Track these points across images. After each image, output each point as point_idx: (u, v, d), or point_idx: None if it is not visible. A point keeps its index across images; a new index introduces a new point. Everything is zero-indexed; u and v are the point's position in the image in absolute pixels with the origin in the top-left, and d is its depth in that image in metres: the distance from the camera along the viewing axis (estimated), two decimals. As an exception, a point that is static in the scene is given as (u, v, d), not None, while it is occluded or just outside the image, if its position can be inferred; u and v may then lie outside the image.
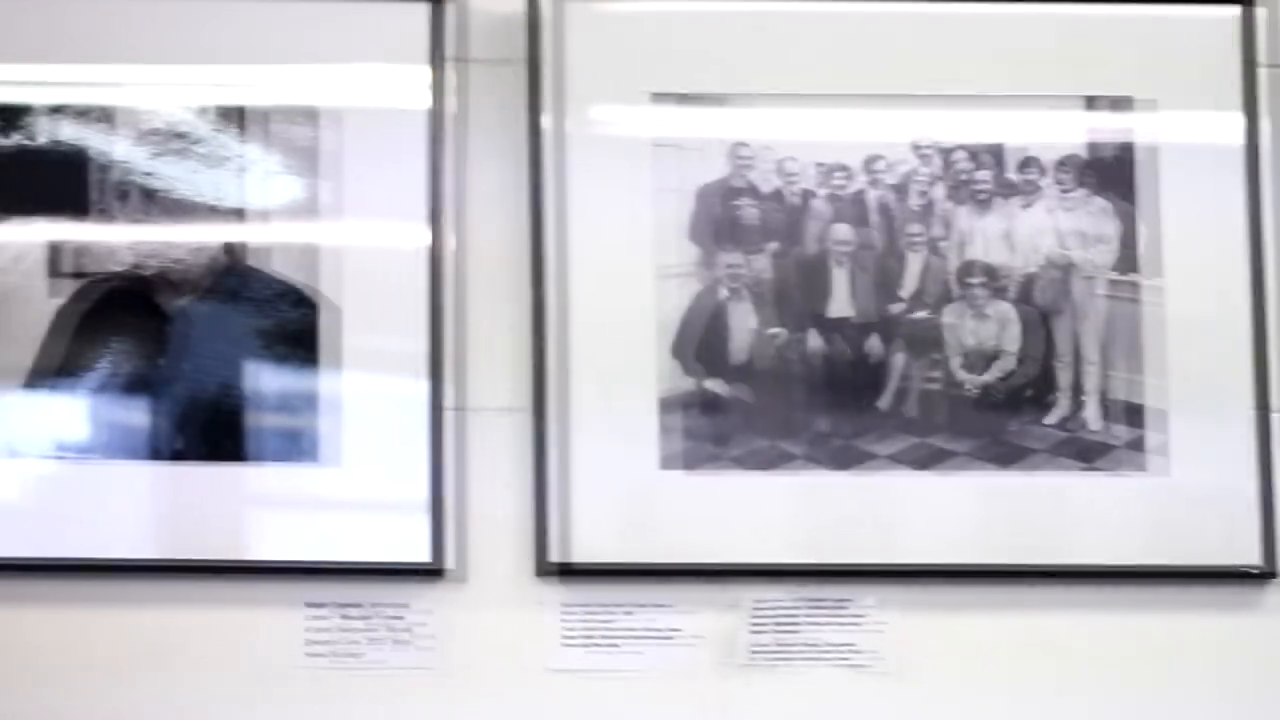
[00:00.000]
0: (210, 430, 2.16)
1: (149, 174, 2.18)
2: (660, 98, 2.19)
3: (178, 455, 2.16)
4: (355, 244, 2.19)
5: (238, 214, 2.18)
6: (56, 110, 2.19)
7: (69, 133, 2.18)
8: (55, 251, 2.19)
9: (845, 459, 2.16)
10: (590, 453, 2.15)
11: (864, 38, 2.22)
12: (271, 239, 2.18)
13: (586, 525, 2.15)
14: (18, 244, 2.18)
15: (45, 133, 2.18)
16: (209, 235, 2.17)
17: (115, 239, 2.18)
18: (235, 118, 2.19)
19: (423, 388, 2.16)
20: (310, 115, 2.19)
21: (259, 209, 2.18)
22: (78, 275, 2.18)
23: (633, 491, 2.15)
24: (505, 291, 2.19)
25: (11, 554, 2.14)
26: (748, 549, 2.16)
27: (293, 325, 2.17)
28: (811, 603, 2.16)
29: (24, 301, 2.17)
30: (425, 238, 2.18)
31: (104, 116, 2.19)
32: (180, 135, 2.18)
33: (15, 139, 2.18)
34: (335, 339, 2.17)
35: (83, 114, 2.19)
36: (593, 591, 2.17)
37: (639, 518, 2.16)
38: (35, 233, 2.18)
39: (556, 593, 2.16)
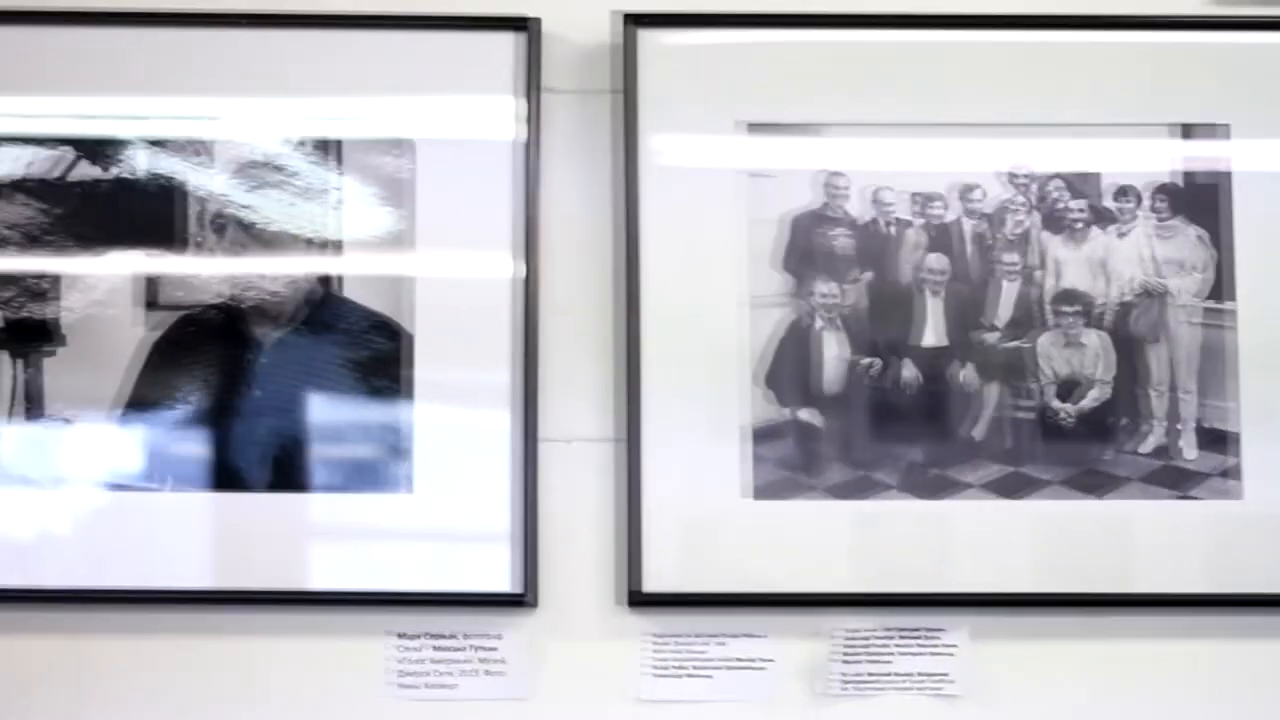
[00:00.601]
0: (302, 460, 2.19)
1: (245, 206, 2.20)
2: (753, 127, 2.21)
3: (270, 485, 2.17)
4: (444, 275, 2.21)
5: (332, 246, 2.20)
6: (154, 143, 2.21)
7: (166, 165, 2.21)
8: (151, 283, 2.21)
9: (938, 488, 2.17)
10: (682, 482, 2.17)
11: (956, 66, 2.23)
12: (361, 271, 2.18)
13: (676, 555, 2.16)
14: (114, 276, 2.19)
15: (143, 165, 2.21)
16: (301, 267, 2.19)
17: (210, 272, 2.19)
18: (329, 150, 2.22)
19: (510, 418, 2.18)
20: (401, 146, 2.22)
21: (352, 240, 2.20)
22: (173, 307, 2.20)
23: (725, 521, 2.17)
24: (590, 321, 2.22)
25: (111, 584, 2.16)
26: (840, 578, 2.17)
27: (383, 356, 2.19)
28: (903, 632, 2.17)
29: (119, 333, 2.20)
30: (512, 268, 2.20)
31: (200, 149, 2.22)
32: (275, 168, 2.22)
33: (113, 171, 2.22)
34: (425, 369, 2.19)
35: (179, 147, 2.21)
36: (683, 621, 2.18)
37: (731, 547, 2.18)
38: (131, 264, 2.19)
39: (646, 623, 2.18)
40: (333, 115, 2.23)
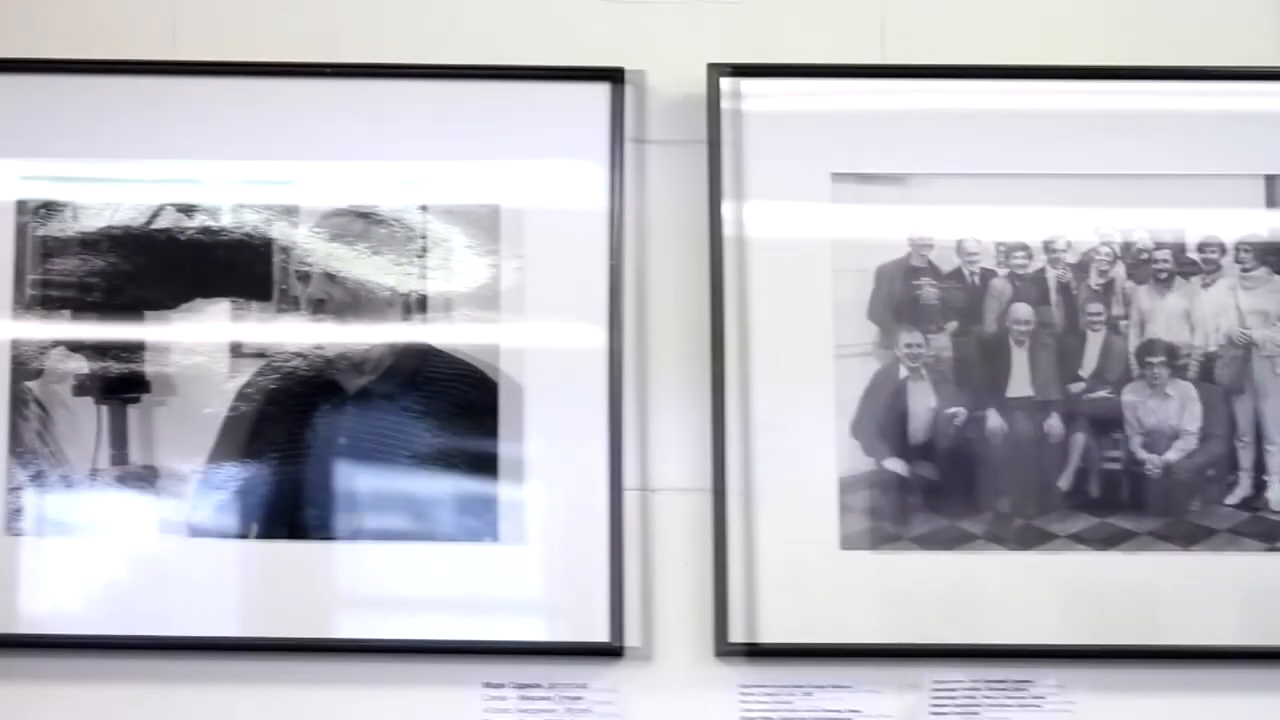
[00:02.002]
0: (390, 509, 2.22)
1: (331, 255, 2.25)
2: (840, 178, 2.26)
3: (357, 534, 2.21)
4: (533, 323, 2.25)
5: (418, 294, 2.25)
6: (241, 193, 2.26)
7: (251, 215, 2.26)
8: (237, 331, 2.25)
9: (1026, 539, 2.21)
10: (770, 532, 2.21)
11: (1042, 117, 2.28)
12: (454, 329, 2.25)
13: (766, 605, 2.20)
14: (202, 324, 2.23)
15: (228, 215, 2.26)
16: (387, 333, 2.25)
17: (296, 324, 2.23)
18: (417, 200, 2.26)
19: (600, 468, 2.21)
20: (490, 195, 2.29)
21: (438, 290, 2.24)
22: (259, 355, 2.24)
23: (813, 571, 2.21)
24: (684, 370, 2.26)
25: (197, 632, 2.23)
26: (928, 629, 2.21)
27: (471, 405, 2.24)
28: (992, 684, 2.21)
29: (204, 380, 2.24)
30: (602, 317, 2.25)
31: (287, 199, 2.26)
32: (363, 216, 2.26)
33: (199, 220, 2.27)
34: (515, 419, 2.24)
35: (265, 198, 2.27)
36: (772, 672, 2.22)
37: (819, 597, 2.21)
38: (217, 313, 2.24)
39: (736, 673, 2.22)
40: (421, 164, 2.26)
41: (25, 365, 2.23)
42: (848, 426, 2.21)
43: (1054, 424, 2.22)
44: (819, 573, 2.19)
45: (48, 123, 2.29)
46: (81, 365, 2.23)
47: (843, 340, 2.23)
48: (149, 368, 2.23)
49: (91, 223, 2.26)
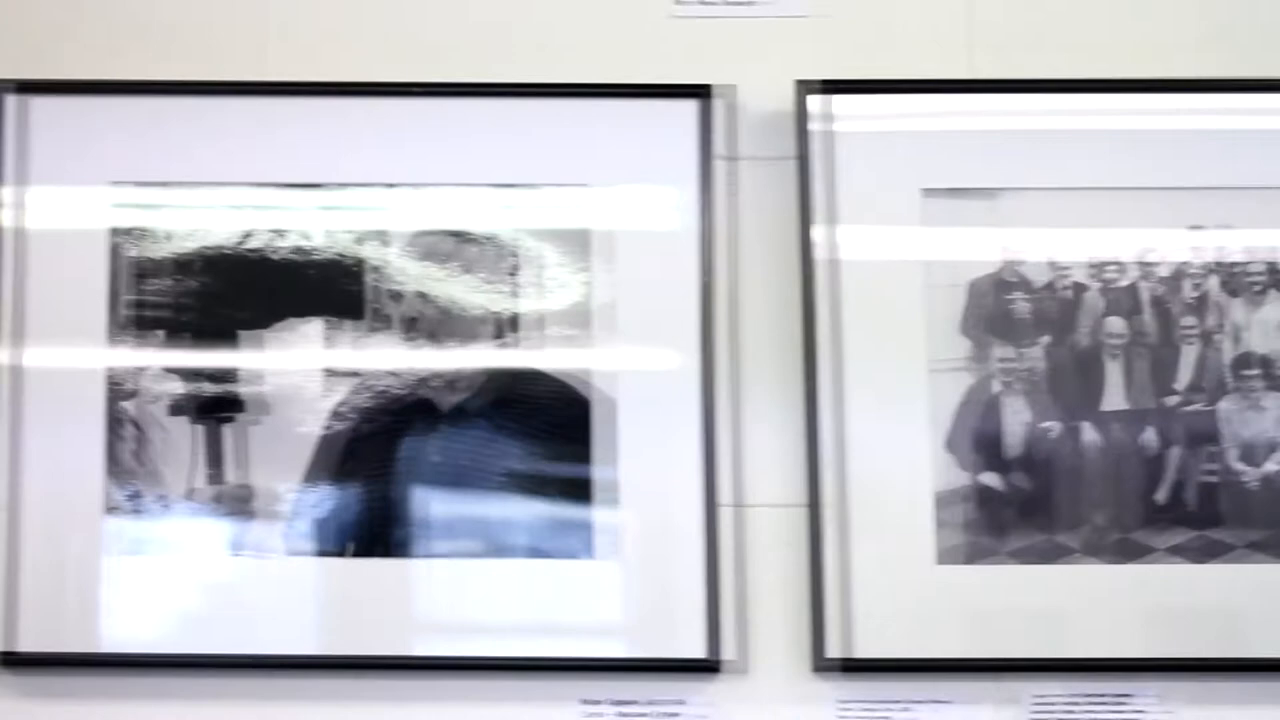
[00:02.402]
0: (485, 527, 2.24)
1: (422, 274, 2.27)
2: (930, 193, 2.27)
3: (454, 551, 2.24)
4: (627, 337, 2.27)
5: (511, 315, 2.27)
6: (332, 212, 2.29)
7: (343, 234, 2.29)
8: (331, 349, 2.28)
9: (1123, 552, 2.22)
10: (866, 547, 2.23)
11: (1132, 129, 2.29)
12: (546, 348, 2.28)
13: (863, 620, 2.21)
14: (294, 344, 2.26)
15: (320, 234, 2.28)
16: (479, 360, 2.28)
17: (390, 344, 2.26)
18: (508, 217, 2.29)
19: (695, 484, 2.23)
20: (581, 211, 2.31)
21: (532, 311, 2.27)
22: (352, 374, 2.27)
23: (909, 586, 2.22)
24: (777, 386, 2.28)
25: (293, 650, 2.26)
26: (1026, 643, 2.22)
27: (566, 422, 2.26)
28: (1091, 697, 2.22)
29: (299, 399, 2.26)
30: (695, 331, 2.27)
31: (378, 218, 2.29)
32: (454, 235, 2.28)
33: (291, 240, 2.29)
34: (609, 436, 2.26)
35: (357, 217, 2.29)
36: (870, 687, 2.24)
37: (916, 612, 2.23)
38: (312, 333, 2.26)
39: (833, 689, 2.23)
40: (511, 182, 2.28)
41: (121, 386, 2.25)
42: (942, 441, 2.22)
43: (1149, 437, 2.23)
44: (915, 587, 2.20)
45: (139, 144, 2.32)
46: (176, 385, 2.25)
47: (936, 355, 2.24)
48: (243, 387, 2.26)
49: (184, 244, 2.28)
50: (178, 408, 2.27)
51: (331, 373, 2.28)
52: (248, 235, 2.28)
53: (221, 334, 2.27)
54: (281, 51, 2.35)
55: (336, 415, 2.26)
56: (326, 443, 2.26)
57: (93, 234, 2.30)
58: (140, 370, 2.27)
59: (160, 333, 2.28)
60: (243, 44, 2.35)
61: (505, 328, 2.26)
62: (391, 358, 2.27)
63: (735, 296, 2.28)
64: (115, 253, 2.29)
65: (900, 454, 2.23)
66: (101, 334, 2.28)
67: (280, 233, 2.29)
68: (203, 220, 2.30)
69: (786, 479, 2.25)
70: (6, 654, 2.25)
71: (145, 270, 2.29)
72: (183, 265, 2.29)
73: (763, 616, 2.25)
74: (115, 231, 2.30)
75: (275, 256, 2.28)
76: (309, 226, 2.30)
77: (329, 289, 2.27)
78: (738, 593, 2.24)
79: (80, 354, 2.29)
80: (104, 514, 2.25)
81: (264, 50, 2.34)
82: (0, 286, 2.29)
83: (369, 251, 2.28)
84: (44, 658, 2.25)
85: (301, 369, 2.28)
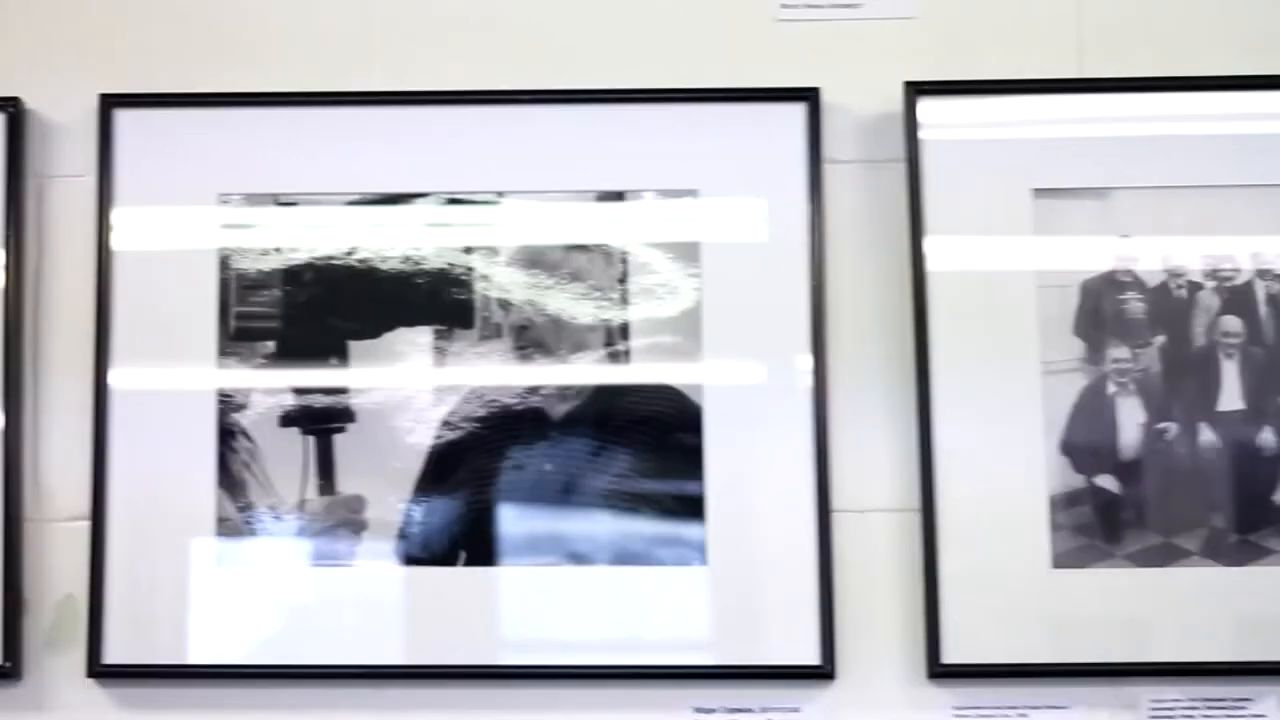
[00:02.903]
0: (597, 534, 2.26)
1: (532, 282, 2.29)
2: (1041, 193, 2.27)
3: (563, 559, 2.28)
4: (733, 345, 2.29)
5: (621, 322, 2.28)
6: (439, 220, 2.31)
7: (451, 241, 2.32)
8: (439, 359, 2.29)
9: (1241, 555, 2.22)
10: (981, 552, 2.23)
11: (1244, 127, 2.29)
12: (657, 355, 2.31)
13: (978, 625, 2.22)
14: (401, 352, 2.28)
15: (428, 242, 2.30)
16: (588, 376, 2.32)
17: (499, 357, 2.28)
18: (615, 225, 2.31)
19: (806, 489, 2.24)
20: (688, 213, 2.33)
21: (642, 319, 2.29)
22: (465, 382, 2.28)
23: (1024, 590, 2.22)
24: (889, 390, 2.30)
25: (405, 660, 2.30)
26: (1144, 647, 2.22)
27: (677, 429, 2.27)
28: (1210, 702, 2.22)
29: (408, 408, 2.28)
30: (803, 338, 2.29)
31: (485, 225, 2.32)
32: (561, 244, 2.30)
33: (399, 250, 2.31)
34: (720, 442, 2.27)
35: (465, 223, 2.31)
36: (984, 693, 2.24)
37: (1031, 617, 2.23)
38: (421, 342, 2.28)
39: (948, 695, 2.24)
40: (619, 189, 2.30)
41: (231, 399, 2.27)
42: (1056, 444, 2.22)
43: (1267, 437, 2.22)
44: (1031, 592, 2.21)
45: (247, 155, 2.34)
46: (287, 397, 2.27)
47: (1049, 357, 2.24)
48: (354, 398, 2.28)
49: (292, 256, 2.31)
50: (289, 419, 2.29)
51: (441, 381, 2.27)
52: (355, 246, 2.29)
53: (331, 345, 2.29)
54: (389, 61, 2.35)
55: (446, 424, 2.27)
56: (438, 452, 2.26)
57: (201, 250, 2.33)
58: (250, 381, 2.27)
59: (270, 344, 2.29)
60: (351, 54, 2.35)
61: (615, 335, 2.28)
62: (502, 369, 2.26)
63: (840, 300, 2.27)
64: (224, 264, 2.31)
65: (1014, 457, 2.23)
66: (212, 346, 2.30)
67: (388, 243, 2.28)
68: (310, 232, 2.31)
69: (899, 484, 2.26)
70: (126, 666, 2.26)
71: (254, 283, 2.31)
72: (291, 277, 2.31)
73: (876, 623, 2.25)
74: (223, 246, 2.30)
75: (384, 266, 2.30)
76: (417, 236, 2.29)
77: (438, 298, 2.30)
78: (852, 599, 2.23)
79: (191, 368, 2.32)
80: (216, 524, 2.25)
81: (370, 60, 2.34)
82: (112, 304, 2.29)
83: (478, 260, 2.30)
84: (152, 670, 2.31)
85: (408, 377, 2.27)
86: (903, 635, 2.23)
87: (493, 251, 2.28)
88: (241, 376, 2.30)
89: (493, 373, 2.28)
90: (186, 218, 2.33)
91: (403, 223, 2.33)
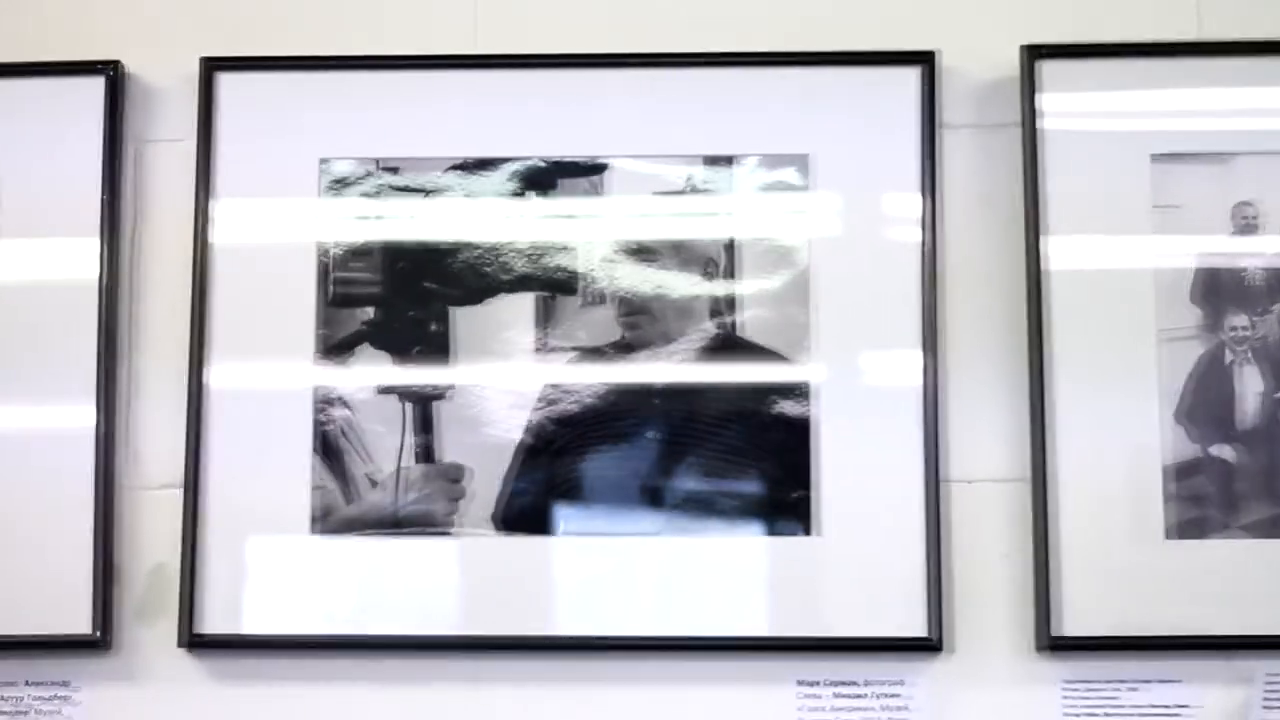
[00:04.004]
0: (700, 504, 2.27)
1: (638, 246, 2.30)
2: (1159, 159, 2.27)
3: (668, 529, 2.27)
4: (841, 312, 2.31)
5: (726, 284, 2.30)
6: (544, 184, 2.33)
7: (556, 205, 2.34)
8: (543, 325, 2.30)
9: (1362, 525, 2.20)
10: (1091, 523, 2.22)
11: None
12: (763, 319, 2.31)
13: (1089, 597, 2.22)
14: (505, 318, 2.32)
15: (534, 206, 2.32)
16: (697, 337, 2.32)
17: (603, 313, 2.29)
18: (723, 183, 2.33)
19: (916, 459, 2.25)
20: (800, 171, 2.34)
21: (749, 284, 2.32)
22: (566, 349, 2.30)
23: (1138, 562, 2.22)
24: (996, 356, 2.30)
25: (535, 630, 2.31)
26: (1261, 620, 2.21)
27: (784, 395, 2.27)
28: (1329, 676, 2.20)
29: (510, 375, 2.30)
30: (915, 302, 2.30)
31: (591, 186, 2.33)
32: (669, 203, 2.31)
33: (502, 214, 2.33)
34: (827, 411, 2.29)
35: (570, 186, 2.34)
36: (1096, 666, 2.23)
37: (1144, 589, 2.22)
38: (524, 308, 2.29)
39: (1058, 668, 2.23)
40: (728, 153, 2.31)
41: (330, 363, 2.28)
42: (1171, 413, 2.22)
43: (1388, 405, 2.21)
44: (1144, 563, 2.21)
45: (348, 119, 2.36)
46: (386, 358, 2.28)
47: (1166, 324, 2.23)
48: (455, 364, 2.28)
49: (395, 220, 2.31)
50: (387, 386, 2.28)
51: (544, 348, 2.28)
52: (458, 211, 2.30)
53: (433, 310, 2.29)
54: (492, 24, 2.37)
55: (548, 392, 2.28)
56: (538, 420, 2.29)
57: (301, 215, 2.37)
58: (350, 347, 2.29)
59: (370, 310, 2.30)
60: (453, 17, 2.38)
61: (722, 305, 2.28)
62: (604, 332, 2.27)
63: (952, 268, 2.29)
64: (324, 231, 2.32)
65: (1129, 426, 2.23)
66: (310, 314, 2.32)
67: (491, 208, 2.29)
68: (413, 197, 2.31)
69: (1009, 453, 2.27)
70: (219, 637, 2.30)
71: (355, 249, 2.32)
72: (392, 243, 2.32)
73: (985, 595, 2.25)
74: (323, 212, 2.32)
75: (486, 233, 2.30)
76: (521, 200, 2.29)
77: (542, 264, 2.29)
78: (960, 570, 2.23)
79: (288, 333, 2.33)
80: (311, 492, 2.26)
81: (474, 23, 2.37)
82: (211, 270, 2.36)
83: (582, 225, 2.29)
84: (245, 640, 2.31)
85: (512, 343, 2.28)
86: (1012, 607, 2.24)
87: (597, 217, 2.28)
88: (341, 341, 2.28)
89: (596, 339, 2.28)
90: (286, 182, 2.35)
91: (506, 188, 2.32)
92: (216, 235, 2.34)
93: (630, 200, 2.33)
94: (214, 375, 2.31)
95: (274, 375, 2.32)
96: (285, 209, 2.34)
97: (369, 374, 2.29)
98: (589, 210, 2.31)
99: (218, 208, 2.34)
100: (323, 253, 2.31)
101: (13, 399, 2.31)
